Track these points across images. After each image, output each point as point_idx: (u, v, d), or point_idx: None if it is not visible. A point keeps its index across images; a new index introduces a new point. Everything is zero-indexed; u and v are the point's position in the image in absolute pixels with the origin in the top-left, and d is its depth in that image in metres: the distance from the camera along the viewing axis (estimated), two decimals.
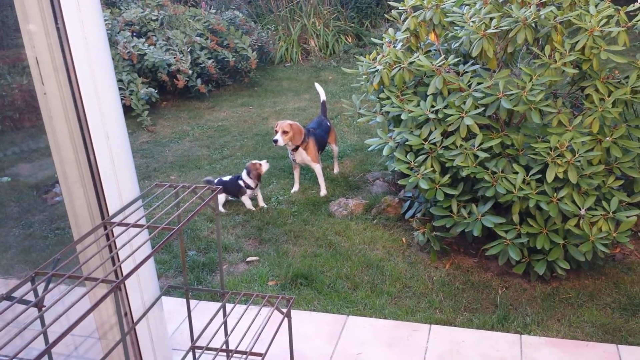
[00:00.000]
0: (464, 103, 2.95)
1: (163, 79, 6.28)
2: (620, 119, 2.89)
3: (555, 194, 2.78)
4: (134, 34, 6.57)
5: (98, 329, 1.90)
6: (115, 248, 1.73)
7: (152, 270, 1.94)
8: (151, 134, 5.75)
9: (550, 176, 2.74)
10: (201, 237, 3.64)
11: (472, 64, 3.19)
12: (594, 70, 2.91)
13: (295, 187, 4.26)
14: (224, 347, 1.76)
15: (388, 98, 3.24)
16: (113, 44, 6.06)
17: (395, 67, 3.22)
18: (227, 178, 4.07)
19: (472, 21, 3.01)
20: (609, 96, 2.85)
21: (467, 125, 2.91)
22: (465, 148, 2.94)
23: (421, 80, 3.31)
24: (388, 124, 3.41)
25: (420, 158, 3.06)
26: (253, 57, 6.91)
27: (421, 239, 3.20)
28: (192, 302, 2.94)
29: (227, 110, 6.41)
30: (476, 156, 2.91)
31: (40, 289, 1.40)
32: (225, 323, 1.96)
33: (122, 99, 4.32)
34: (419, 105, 3.14)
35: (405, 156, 3.12)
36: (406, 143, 3.12)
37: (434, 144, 3.03)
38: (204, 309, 2.90)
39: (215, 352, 1.73)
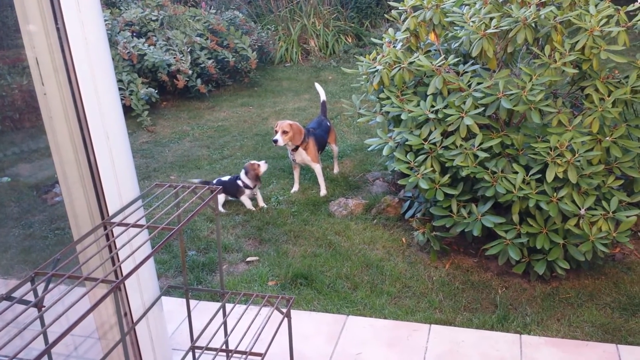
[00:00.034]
0: (464, 103, 2.95)
1: (163, 79, 6.28)
2: (620, 119, 2.90)
3: (555, 194, 2.78)
4: (134, 34, 6.57)
5: (98, 329, 1.90)
6: (115, 248, 1.73)
7: (152, 271, 1.94)
8: (151, 134, 5.75)
9: (550, 176, 2.74)
10: (201, 237, 3.64)
11: (472, 64, 3.19)
12: (593, 70, 2.91)
13: (295, 187, 4.26)
14: (224, 347, 1.77)
15: (388, 98, 3.24)
16: (113, 44, 6.06)
17: (395, 67, 3.22)
18: (226, 178, 4.08)
19: (472, 21, 3.01)
20: (608, 96, 2.85)
21: (467, 125, 2.92)
22: (465, 148, 2.94)
23: (421, 80, 3.31)
24: (388, 124, 3.41)
25: (420, 158, 3.06)
26: (253, 57, 6.91)
27: (421, 239, 3.20)
28: (192, 302, 2.94)
29: (227, 110, 6.41)
30: (476, 156, 2.91)
31: (40, 289, 1.40)
32: (225, 323, 1.96)
33: (122, 99, 4.33)
34: (418, 105, 3.14)
35: (405, 156, 3.12)
36: (406, 143, 3.12)
37: (434, 143, 3.03)
38: (203, 309, 2.90)
39: (215, 352, 1.73)
